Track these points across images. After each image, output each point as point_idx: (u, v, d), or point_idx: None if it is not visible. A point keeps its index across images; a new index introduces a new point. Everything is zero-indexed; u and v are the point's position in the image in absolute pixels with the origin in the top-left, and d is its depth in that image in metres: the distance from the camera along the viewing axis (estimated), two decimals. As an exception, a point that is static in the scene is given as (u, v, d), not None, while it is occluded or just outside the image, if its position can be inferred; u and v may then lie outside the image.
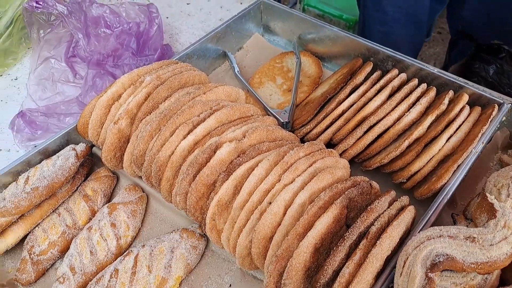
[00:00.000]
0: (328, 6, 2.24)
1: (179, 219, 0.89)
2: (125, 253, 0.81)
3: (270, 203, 0.74)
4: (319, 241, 0.69)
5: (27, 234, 0.84)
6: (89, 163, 0.95)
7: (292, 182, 0.75)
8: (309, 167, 0.78)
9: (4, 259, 0.84)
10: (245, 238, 0.73)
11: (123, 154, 0.89)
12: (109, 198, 0.92)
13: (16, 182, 0.84)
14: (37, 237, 0.82)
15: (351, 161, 0.89)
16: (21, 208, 0.79)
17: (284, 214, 0.73)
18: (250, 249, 0.74)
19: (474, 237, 0.67)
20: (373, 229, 0.69)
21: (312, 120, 0.94)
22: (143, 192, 0.93)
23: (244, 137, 0.83)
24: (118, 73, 1.13)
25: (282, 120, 0.96)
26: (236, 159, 0.80)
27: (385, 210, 0.73)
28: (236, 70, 1.13)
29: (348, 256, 0.68)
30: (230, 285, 0.80)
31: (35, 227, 0.84)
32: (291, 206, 0.73)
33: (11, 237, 0.81)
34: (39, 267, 0.80)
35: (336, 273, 0.66)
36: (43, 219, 0.85)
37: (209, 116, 0.85)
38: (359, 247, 0.67)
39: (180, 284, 0.80)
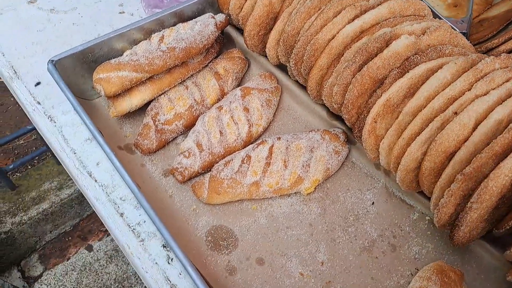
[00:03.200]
0: None
1: (314, 121, 0.77)
2: (258, 141, 0.70)
3: (456, 113, 0.60)
4: (524, 168, 0.54)
5: (151, 101, 0.75)
6: (221, 40, 0.84)
7: (486, 94, 0.60)
8: (506, 81, 0.62)
9: (123, 122, 0.77)
10: (417, 148, 0.60)
11: (267, 35, 0.77)
12: (239, 83, 0.81)
13: (149, 40, 0.74)
14: (163, 106, 0.73)
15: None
16: (155, 67, 0.70)
17: (474, 129, 0.58)
18: (420, 163, 0.60)
19: None
20: None
21: (497, 36, 0.77)
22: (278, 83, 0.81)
23: (424, 34, 0.68)
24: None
25: (458, 31, 0.79)
26: (413, 56, 0.65)
27: None
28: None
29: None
30: (373, 203, 0.68)
31: (160, 95, 0.75)
32: (484, 121, 0.58)
33: (137, 98, 0.72)
34: (162, 136, 0.72)
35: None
36: (170, 88, 0.75)
37: (381, 4, 0.70)
38: None
39: (315, 188, 0.69)
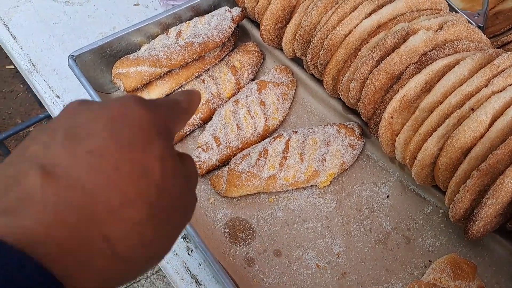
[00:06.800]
0: None
1: (329, 114, 0.78)
2: (274, 135, 0.71)
3: (472, 109, 0.61)
4: (540, 165, 0.55)
5: (169, 95, 0.76)
6: (237, 33, 0.84)
7: (503, 91, 0.61)
8: (523, 77, 0.63)
9: (141, 116, 0.78)
10: (434, 144, 0.61)
11: (283, 28, 0.77)
12: (254, 76, 0.82)
13: (167, 34, 0.75)
14: (180, 99, 0.74)
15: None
16: (173, 62, 0.71)
17: (491, 125, 0.59)
18: (435, 158, 0.62)
19: None
20: None
21: (513, 30, 0.77)
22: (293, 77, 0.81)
23: (441, 29, 0.68)
24: None
25: (474, 24, 0.79)
26: (430, 52, 0.66)
27: None
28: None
29: None
30: (387, 196, 0.69)
31: (178, 89, 0.76)
32: (501, 117, 0.59)
33: (156, 92, 0.73)
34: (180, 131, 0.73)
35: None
36: (187, 82, 0.76)
37: (398, -2, 0.70)
38: None
39: (330, 182, 0.70)
